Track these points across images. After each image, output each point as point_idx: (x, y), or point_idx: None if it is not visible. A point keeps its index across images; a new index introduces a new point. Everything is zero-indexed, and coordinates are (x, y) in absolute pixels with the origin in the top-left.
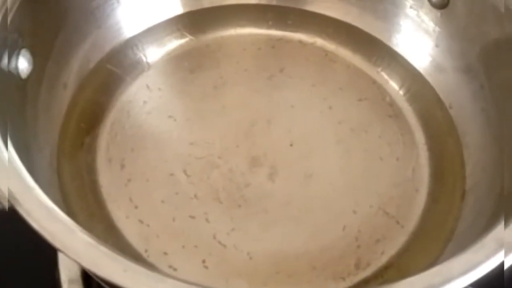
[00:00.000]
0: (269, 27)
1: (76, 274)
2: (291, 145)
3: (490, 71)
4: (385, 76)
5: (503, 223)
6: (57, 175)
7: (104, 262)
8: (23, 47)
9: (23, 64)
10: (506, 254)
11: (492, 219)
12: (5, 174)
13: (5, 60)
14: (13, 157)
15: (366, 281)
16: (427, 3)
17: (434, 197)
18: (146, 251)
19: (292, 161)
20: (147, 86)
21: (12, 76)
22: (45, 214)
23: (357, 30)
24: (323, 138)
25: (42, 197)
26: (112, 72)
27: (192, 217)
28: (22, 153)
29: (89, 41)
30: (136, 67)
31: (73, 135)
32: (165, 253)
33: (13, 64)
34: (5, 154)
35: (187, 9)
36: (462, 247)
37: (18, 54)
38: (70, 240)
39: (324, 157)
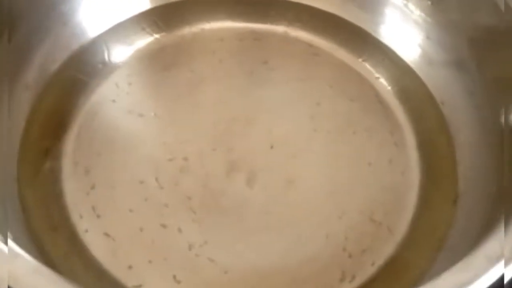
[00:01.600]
0: (248, 20)
1: None
2: (271, 147)
3: (482, 65)
4: (373, 71)
5: (503, 229)
6: (17, 184)
7: None
8: None
9: None
10: (506, 265)
11: (485, 228)
12: None
13: None
14: None
15: None
16: None
17: (425, 202)
18: (111, 265)
19: (272, 165)
20: (117, 85)
21: None
22: None
23: (342, 21)
24: (307, 139)
25: None
26: (79, 73)
27: (163, 227)
28: None
29: (52, 38)
30: (105, 67)
31: (36, 140)
32: (130, 267)
33: None
34: None
35: (155, 4)
36: (453, 258)
37: None
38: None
39: (307, 161)
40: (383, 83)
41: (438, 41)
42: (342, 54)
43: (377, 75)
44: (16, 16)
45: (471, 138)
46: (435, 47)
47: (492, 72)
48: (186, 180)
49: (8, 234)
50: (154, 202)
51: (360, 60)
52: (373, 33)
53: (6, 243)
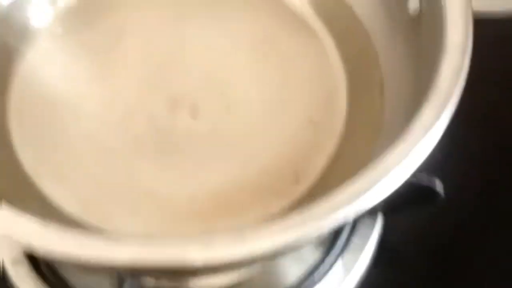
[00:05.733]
0: None
1: (20, 252)
2: (207, 77)
3: None
4: None
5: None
6: None
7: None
8: None
9: None
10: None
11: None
12: None
13: None
14: None
15: (309, 194)
16: None
17: (354, 95)
18: (81, 215)
19: (211, 94)
20: (44, 48)
21: None
22: None
23: None
24: (238, 62)
25: None
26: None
27: (121, 172)
28: None
29: None
30: (30, 28)
31: None
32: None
33: None
34: None
35: None
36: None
37: None
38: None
39: (242, 83)
40: None
41: None
42: None
43: None
44: None
45: (383, 27)
46: None
47: None
48: (132, 124)
49: None
50: (106, 150)
51: None
52: None
53: None
